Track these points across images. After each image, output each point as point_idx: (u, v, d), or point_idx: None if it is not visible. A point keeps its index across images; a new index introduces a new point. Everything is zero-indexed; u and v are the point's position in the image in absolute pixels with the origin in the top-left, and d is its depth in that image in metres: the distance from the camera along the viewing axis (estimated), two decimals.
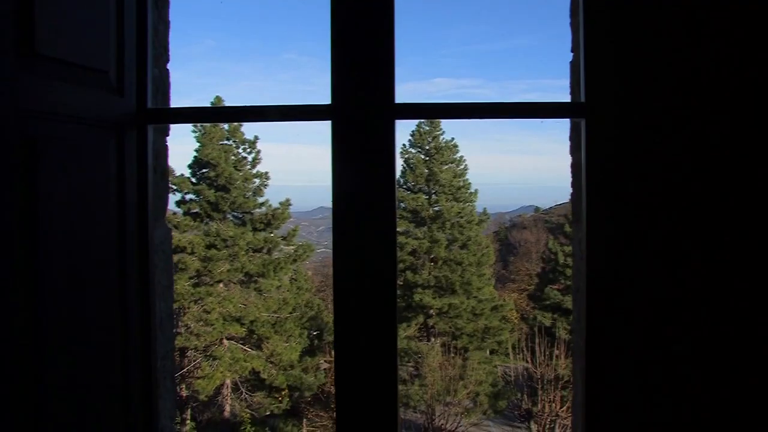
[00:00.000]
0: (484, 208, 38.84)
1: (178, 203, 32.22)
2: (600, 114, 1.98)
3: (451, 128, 39.61)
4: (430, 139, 39.20)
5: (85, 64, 1.85)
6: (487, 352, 37.74)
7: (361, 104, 2.00)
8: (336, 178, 2.03)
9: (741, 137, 1.97)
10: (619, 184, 1.99)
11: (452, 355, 34.30)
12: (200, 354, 30.93)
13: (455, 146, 38.84)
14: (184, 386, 31.91)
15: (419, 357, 34.87)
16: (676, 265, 1.99)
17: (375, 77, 2.01)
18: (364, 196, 2.01)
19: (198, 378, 30.07)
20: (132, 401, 2.06)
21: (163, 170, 2.46)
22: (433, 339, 37.43)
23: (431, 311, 37.62)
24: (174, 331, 2.53)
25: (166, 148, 2.51)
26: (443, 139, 38.97)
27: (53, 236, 1.74)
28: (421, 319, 38.27)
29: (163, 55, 2.48)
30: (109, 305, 1.98)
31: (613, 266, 2.00)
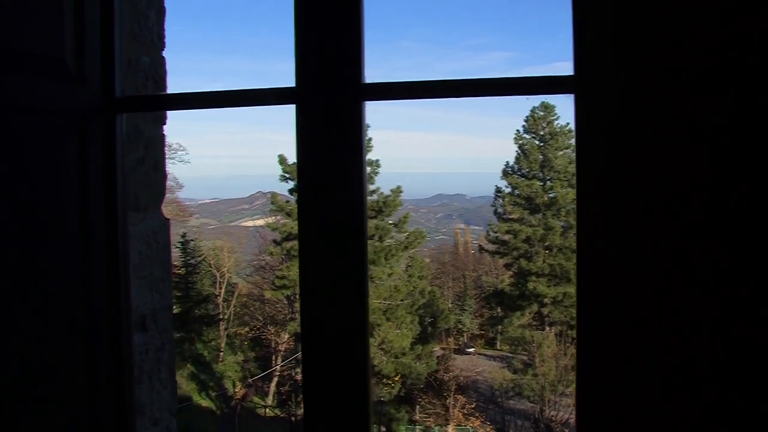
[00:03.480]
0: None
1: (291, 191, 32.94)
2: (590, 89, 1.78)
3: (566, 113, 38.76)
4: (544, 125, 38.61)
5: (32, 51, 1.79)
6: None
7: (326, 86, 1.87)
8: (301, 166, 1.91)
9: (754, 120, 1.74)
10: (611, 167, 1.79)
11: (567, 344, 33.62)
12: None
13: (571, 131, 37.93)
14: (299, 370, 32.65)
15: (532, 346, 34.39)
16: (672, 257, 1.79)
17: (341, 55, 1.86)
18: (331, 183, 1.89)
19: None
20: (98, 394, 2.01)
21: (156, 160, 2.42)
22: (547, 328, 36.89)
23: (545, 300, 37.12)
24: (171, 322, 2.49)
25: (162, 137, 2.47)
26: (558, 124, 38.28)
27: None
28: (534, 307, 37.90)
29: (156, 43, 2.43)
30: (70, 297, 1.94)
31: (605, 256, 1.81)
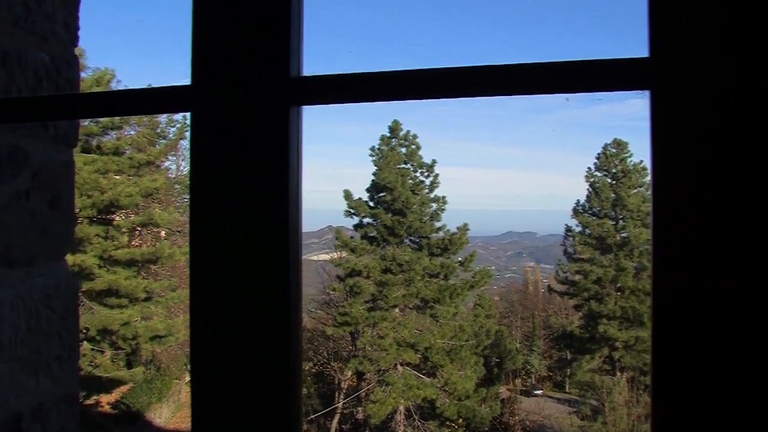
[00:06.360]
0: None
1: (356, 227, 32.55)
2: (669, 78, 1.04)
3: (640, 151, 37.77)
4: (617, 162, 37.56)
5: None
6: None
7: (236, 83, 1.18)
8: (195, 196, 1.20)
9: None
10: (699, 180, 1.06)
11: (640, 392, 32.16)
12: (374, 377, 30.93)
13: (644, 169, 36.70)
14: (360, 408, 32.07)
15: (602, 391, 33.01)
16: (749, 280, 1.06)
17: (259, 39, 1.17)
18: (241, 230, 1.18)
19: (372, 402, 30.02)
20: None
21: (56, 195, 1.75)
22: (618, 373, 35.42)
23: (617, 344, 35.73)
24: (75, 420, 1.79)
25: (68, 164, 1.81)
26: (631, 161, 37.14)
27: None
28: (605, 351, 36.58)
29: (61, 35, 1.77)
30: None
31: (687, 292, 1.08)
